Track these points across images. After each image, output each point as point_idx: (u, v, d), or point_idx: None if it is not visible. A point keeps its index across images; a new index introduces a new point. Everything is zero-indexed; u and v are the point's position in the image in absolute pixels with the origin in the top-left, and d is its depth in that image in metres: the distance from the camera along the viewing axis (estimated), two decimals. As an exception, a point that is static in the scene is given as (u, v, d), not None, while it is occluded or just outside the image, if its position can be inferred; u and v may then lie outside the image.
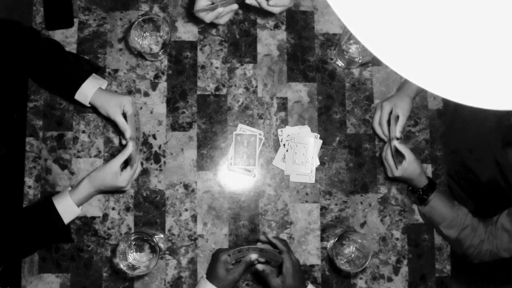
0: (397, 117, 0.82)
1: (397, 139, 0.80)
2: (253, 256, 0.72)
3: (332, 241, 0.78)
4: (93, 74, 0.76)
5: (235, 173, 0.87)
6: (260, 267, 0.72)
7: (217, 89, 0.89)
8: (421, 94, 0.90)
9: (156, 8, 0.88)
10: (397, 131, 0.80)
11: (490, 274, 1.24)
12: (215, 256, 0.76)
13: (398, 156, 0.81)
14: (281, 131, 0.88)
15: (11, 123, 0.98)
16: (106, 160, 0.85)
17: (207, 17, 0.66)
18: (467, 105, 0.23)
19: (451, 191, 0.97)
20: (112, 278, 0.82)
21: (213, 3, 0.65)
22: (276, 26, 0.90)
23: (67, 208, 0.68)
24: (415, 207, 0.89)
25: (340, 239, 0.78)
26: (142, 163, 0.85)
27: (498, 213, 0.80)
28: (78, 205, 0.70)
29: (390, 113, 0.82)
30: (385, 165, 0.84)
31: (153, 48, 0.85)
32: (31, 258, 0.81)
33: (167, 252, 0.84)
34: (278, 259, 0.73)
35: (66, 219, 0.69)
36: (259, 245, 0.81)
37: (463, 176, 0.95)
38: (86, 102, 0.74)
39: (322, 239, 0.87)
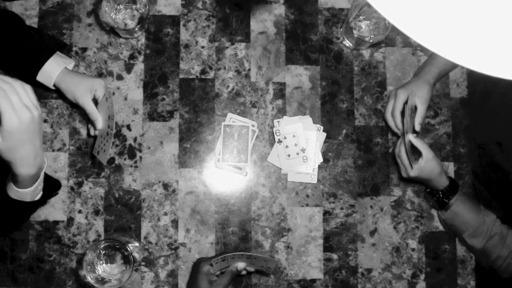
0: (415, 108, 0.82)
1: (414, 132, 0.80)
2: (241, 265, 0.73)
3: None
4: (58, 52, 0.77)
5: (224, 171, 0.87)
6: None
7: (203, 72, 0.89)
8: (442, 80, 0.90)
9: (132, -23, 0.88)
10: (416, 123, 0.80)
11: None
12: (196, 266, 0.76)
13: (414, 153, 0.81)
14: (278, 122, 0.88)
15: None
16: (72, 155, 0.86)
17: None
18: (504, 78, 0.22)
19: (477, 194, 0.98)
20: (78, 293, 0.83)
21: None
22: (273, -1, 0.91)
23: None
24: (434, 212, 0.90)
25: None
26: (114, 158, 0.86)
27: None
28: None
29: (406, 102, 0.82)
30: (398, 163, 0.84)
31: (128, 24, 0.85)
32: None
33: (143, 263, 0.84)
34: (271, 265, 0.73)
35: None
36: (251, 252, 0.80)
37: (490, 175, 0.96)
38: (50, 84, 0.75)
39: (325, 249, 0.87)
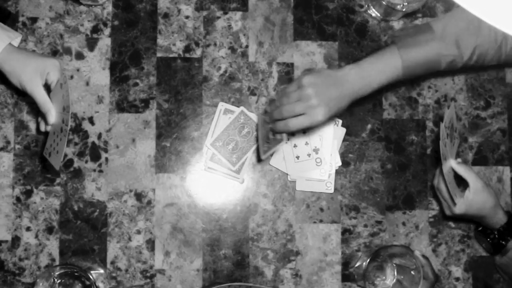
0: (455, 119, 0.80)
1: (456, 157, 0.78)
2: None
3: (360, 263, 0.80)
4: (0, 24, 0.76)
5: (214, 177, 0.88)
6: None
7: (187, 49, 0.89)
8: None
9: None
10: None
11: None
12: None
13: (460, 183, 0.80)
14: None
15: None
16: (18, 156, 0.86)
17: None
18: None
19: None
20: (26, 334, 0.82)
21: None
22: (278, -44, 0.89)
23: None
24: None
25: (374, 259, 0.79)
26: (72, 161, 0.86)
27: None
28: None
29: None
30: (439, 198, 0.84)
31: (90, -14, 0.84)
32: None
33: (109, 296, 0.83)
34: None
35: None
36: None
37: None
38: None
39: (344, 278, 0.87)
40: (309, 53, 0.91)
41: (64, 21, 0.89)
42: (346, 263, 0.88)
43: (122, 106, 0.88)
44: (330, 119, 0.71)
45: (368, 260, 0.81)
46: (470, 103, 0.92)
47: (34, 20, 0.88)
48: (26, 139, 0.87)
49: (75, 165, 0.87)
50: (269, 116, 0.74)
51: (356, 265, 0.86)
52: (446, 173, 0.78)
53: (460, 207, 0.78)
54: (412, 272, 0.81)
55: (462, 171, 0.78)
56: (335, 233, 0.89)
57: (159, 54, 0.89)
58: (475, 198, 0.78)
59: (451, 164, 0.79)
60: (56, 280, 0.77)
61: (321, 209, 0.89)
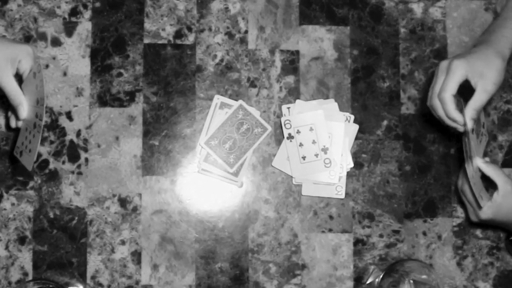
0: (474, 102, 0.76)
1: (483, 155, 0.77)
2: None
3: (372, 279, 0.80)
4: None
5: (209, 180, 0.87)
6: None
7: (178, 35, 0.89)
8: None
9: None
10: (467, 115, 0.73)
11: None
12: None
13: (488, 185, 0.79)
14: (288, 109, 0.88)
15: None
16: None
17: None
18: None
19: None
20: None
21: None
22: None
23: None
24: (517, 242, 0.87)
25: (389, 275, 0.79)
26: (48, 161, 0.85)
27: None
28: None
29: (462, 85, 0.75)
30: (463, 201, 0.83)
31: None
32: None
33: (89, 315, 0.83)
34: None
35: None
36: None
37: None
38: None
39: None
40: (317, 40, 0.90)
41: (39, 3, 0.87)
42: (358, 278, 0.87)
43: (105, 99, 0.87)
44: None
45: (382, 276, 0.79)
46: (500, 96, 0.91)
47: (4, 1, 0.87)
48: (-6, 137, 0.85)
49: (51, 166, 0.86)
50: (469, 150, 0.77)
51: (368, 281, 0.85)
52: (471, 173, 0.76)
53: (486, 212, 0.77)
54: None
55: (490, 171, 0.77)
56: (347, 244, 0.88)
57: (146, 41, 0.88)
58: (505, 201, 0.76)
59: (477, 163, 0.77)
60: (29, 297, 0.76)
61: (331, 217, 0.88)
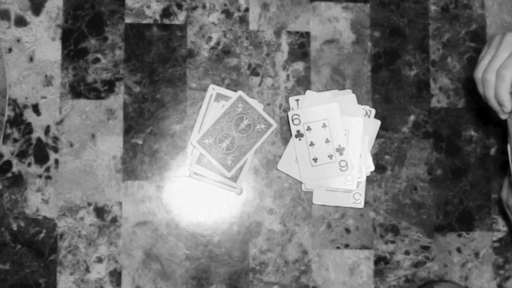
0: None
1: None
2: None
3: None
4: None
5: (203, 186, 0.83)
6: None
7: (166, 13, 0.85)
8: None
9: None
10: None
11: None
12: None
13: None
14: (297, 101, 0.84)
15: None
16: None
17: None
18: None
19: None
20: None
21: None
22: None
23: None
24: None
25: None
26: (10, 163, 0.81)
27: None
28: None
29: None
30: (507, 215, 0.80)
31: None
32: None
33: None
34: None
35: None
36: None
37: None
38: None
39: None
40: (331, 19, 0.87)
41: (0, -25, 0.83)
42: (380, 302, 0.83)
43: (78, 89, 0.84)
44: None
45: None
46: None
47: (-41, -27, 0.83)
48: None
49: (14, 169, 0.82)
50: None
51: None
52: None
53: None
54: None
55: None
56: (366, 262, 0.84)
57: (128, 20, 0.85)
58: None
59: None
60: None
61: (347, 230, 0.84)
